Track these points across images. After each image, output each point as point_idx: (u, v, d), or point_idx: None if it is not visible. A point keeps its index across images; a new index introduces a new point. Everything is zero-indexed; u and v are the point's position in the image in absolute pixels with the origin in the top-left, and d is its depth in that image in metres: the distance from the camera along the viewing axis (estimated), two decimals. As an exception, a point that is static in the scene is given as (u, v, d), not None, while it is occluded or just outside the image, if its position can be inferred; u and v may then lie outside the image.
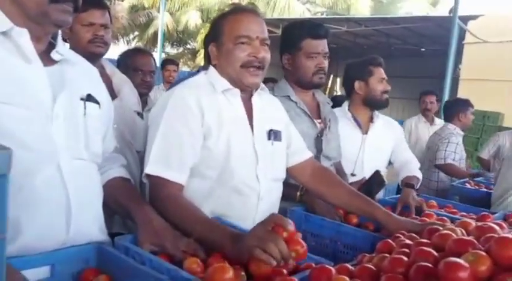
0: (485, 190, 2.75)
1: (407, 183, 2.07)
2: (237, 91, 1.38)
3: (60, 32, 1.12)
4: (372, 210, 1.47)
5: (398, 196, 2.01)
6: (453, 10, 7.62)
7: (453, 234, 1.00)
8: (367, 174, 1.97)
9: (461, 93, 10.38)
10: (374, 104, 2.28)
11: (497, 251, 0.80)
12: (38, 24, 1.03)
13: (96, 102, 1.15)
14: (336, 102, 3.14)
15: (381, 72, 2.25)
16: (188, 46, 19.87)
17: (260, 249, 0.94)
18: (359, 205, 1.51)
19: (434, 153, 3.58)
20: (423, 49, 14.16)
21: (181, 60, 18.84)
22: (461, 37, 9.16)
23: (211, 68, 1.41)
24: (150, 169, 1.27)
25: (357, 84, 2.26)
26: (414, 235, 1.17)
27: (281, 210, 1.56)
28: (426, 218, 1.64)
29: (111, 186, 1.24)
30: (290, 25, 1.92)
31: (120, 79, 1.98)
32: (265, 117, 1.45)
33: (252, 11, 1.39)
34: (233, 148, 1.33)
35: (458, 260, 0.79)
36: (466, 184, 2.88)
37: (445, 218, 1.71)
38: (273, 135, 1.43)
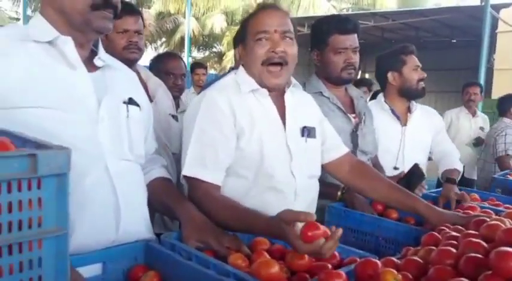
0: (529, 181, 2.64)
1: (448, 178, 2.01)
2: (265, 91, 1.38)
3: (100, 40, 1.17)
4: (412, 203, 1.44)
5: (440, 189, 1.97)
6: (485, -1, 7.39)
7: (502, 224, 0.97)
8: (409, 167, 1.92)
9: (496, 84, 10.05)
10: (410, 94, 2.21)
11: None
12: (81, 32, 1.08)
13: (137, 105, 1.20)
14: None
15: (414, 60, 2.19)
16: (214, 49, 20.07)
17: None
18: (399, 198, 1.48)
19: (492, 147, 3.74)
20: (454, 40, 13.78)
21: (208, 63, 19.03)
22: (494, 26, 8.87)
23: (241, 68, 1.42)
24: (187, 170, 1.29)
25: (391, 76, 2.20)
26: (460, 227, 1.15)
27: (319, 208, 1.56)
28: (470, 211, 1.60)
29: (154, 186, 1.27)
30: (318, 21, 1.91)
31: (155, 83, 2.03)
32: (298, 114, 1.44)
33: (272, 6, 1.38)
34: (266, 146, 1.34)
35: (510, 249, 0.77)
36: (508, 176, 2.78)
37: (489, 210, 1.66)
38: (307, 132, 1.43)
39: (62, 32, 1.06)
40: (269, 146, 1.35)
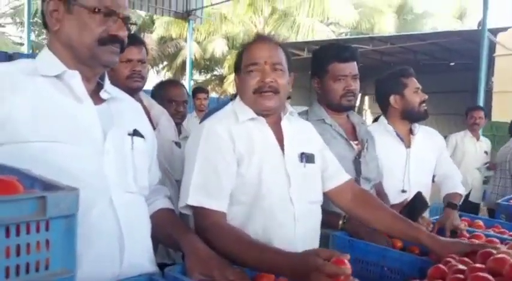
0: (533, 207, 2.63)
1: (450, 202, 2.00)
2: (262, 119, 1.41)
3: (106, 72, 1.19)
4: (415, 234, 1.43)
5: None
6: (482, 23, 7.52)
7: (509, 257, 0.97)
8: (415, 189, 1.92)
9: (496, 107, 10.11)
10: (413, 116, 2.20)
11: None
12: (88, 66, 1.10)
13: (142, 136, 1.20)
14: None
15: (414, 83, 2.19)
16: (215, 73, 20.30)
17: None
18: (402, 228, 1.47)
19: (508, 163, 4.15)
20: (452, 64, 13.92)
21: (209, 86, 19.21)
22: (491, 50, 8.99)
23: (238, 98, 1.46)
24: (192, 199, 1.29)
25: (393, 99, 2.20)
26: (466, 259, 1.14)
27: (323, 236, 1.55)
28: (475, 240, 1.58)
29: (157, 217, 1.27)
30: (318, 49, 1.94)
31: (158, 111, 2.05)
32: (296, 141, 1.46)
33: (263, 38, 1.42)
34: (264, 172, 1.35)
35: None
36: (511, 201, 2.77)
37: (495, 239, 1.65)
38: (305, 157, 1.44)
39: (69, 66, 1.08)
40: (268, 172, 1.36)
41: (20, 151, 0.96)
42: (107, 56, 1.09)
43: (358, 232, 1.62)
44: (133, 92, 1.86)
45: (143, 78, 1.89)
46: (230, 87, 17.64)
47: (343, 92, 1.81)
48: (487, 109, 8.22)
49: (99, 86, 1.16)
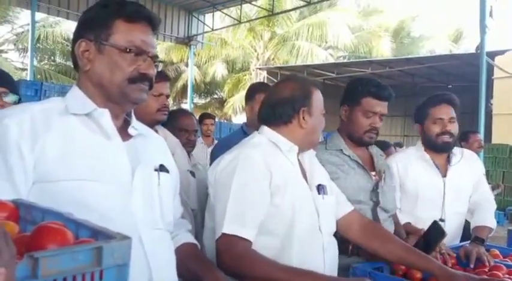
0: (546, 233, 2.61)
1: (477, 237, 1.96)
2: (296, 148, 1.45)
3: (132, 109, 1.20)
4: (426, 264, 1.44)
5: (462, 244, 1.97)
6: (480, 47, 7.64)
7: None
8: (452, 218, 1.98)
9: (496, 128, 10.18)
10: (431, 147, 2.19)
11: None
12: (118, 104, 1.11)
13: (167, 171, 1.21)
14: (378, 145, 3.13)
15: (437, 113, 2.14)
16: (215, 96, 20.46)
17: None
18: (413, 260, 1.48)
19: None
20: (450, 86, 14.08)
21: (209, 109, 19.36)
22: (489, 72, 9.11)
23: (267, 129, 1.47)
24: (227, 228, 1.29)
25: (417, 128, 2.25)
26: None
27: (343, 266, 1.53)
28: (497, 272, 1.57)
29: (180, 252, 1.25)
30: (356, 79, 1.95)
31: (172, 141, 2.06)
32: (313, 173, 1.50)
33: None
34: (297, 204, 1.37)
35: None
36: (524, 228, 2.75)
37: (515, 270, 1.64)
38: (322, 189, 1.48)
39: (98, 104, 1.09)
40: (300, 203, 1.37)
41: (51, 189, 0.97)
42: (137, 94, 1.10)
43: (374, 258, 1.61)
44: (157, 124, 1.89)
45: (169, 112, 1.95)
46: (230, 110, 17.76)
47: (368, 128, 1.82)
48: (487, 131, 8.28)
49: (126, 122, 1.17)
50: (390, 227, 1.86)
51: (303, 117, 1.44)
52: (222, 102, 19.18)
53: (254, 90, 2.48)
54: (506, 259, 1.95)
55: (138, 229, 1.06)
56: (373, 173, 1.87)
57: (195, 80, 16.58)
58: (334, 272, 1.47)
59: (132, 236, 1.02)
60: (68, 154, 1.01)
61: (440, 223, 1.96)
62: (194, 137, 2.58)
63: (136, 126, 1.17)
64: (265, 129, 1.48)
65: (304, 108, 1.45)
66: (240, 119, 16.08)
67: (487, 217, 2.13)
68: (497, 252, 2.04)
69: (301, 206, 1.37)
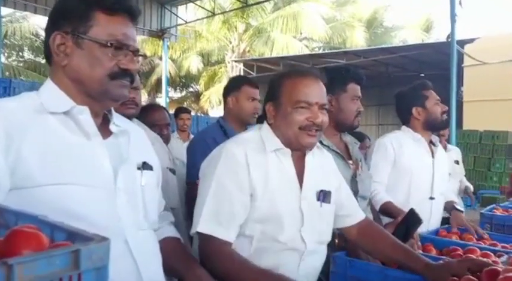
0: (516, 215, 2.71)
1: (456, 207, 2.25)
2: (288, 151, 1.37)
3: None
4: (413, 265, 1.38)
5: (438, 229, 2.13)
6: (450, 36, 7.79)
7: (516, 276, 0.99)
8: (439, 197, 2.16)
9: (467, 116, 10.45)
10: (436, 126, 2.37)
11: None
12: (97, 101, 1.06)
13: (151, 168, 1.17)
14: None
15: (434, 95, 2.35)
16: (191, 89, 20.27)
17: None
18: (399, 257, 1.45)
19: None
20: (422, 74, 14.33)
21: (185, 103, 19.16)
22: (460, 60, 9.32)
23: (265, 126, 1.42)
24: (202, 227, 1.28)
25: (415, 111, 2.35)
26: (473, 278, 1.16)
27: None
28: (471, 255, 1.62)
29: (163, 247, 1.23)
30: (335, 70, 2.05)
31: (151, 138, 2.01)
32: (317, 177, 1.43)
33: (313, 75, 1.39)
34: (277, 208, 1.32)
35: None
36: (495, 211, 2.85)
37: (489, 252, 1.69)
38: (323, 196, 1.41)
39: (76, 101, 1.04)
40: (281, 208, 1.32)
41: (30, 195, 0.92)
42: (118, 91, 1.06)
43: (358, 251, 1.63)
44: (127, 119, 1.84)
45: (137, 105, 1.86)
46: (207, 103, 17.63)
47: (356, 112, 1.91)
48: (458, 118, 8.49)
49: (106, 119, 1.12)
50: (369, 216, 1.89)
51: (271, 113, 1.39)
52: (198, 95, 19.02)
53: (241, 81, 2.43)
54: (480, 242, 2.01)
55: (124, 231, 1.04)
56: (350, 161, 1.90)
57: (170, 73, 16.36)
58: (311, 280, 1.44)
59: (118, 239, 1.03)
60: (47, 156, 0.96)
61: (429, 203, 2.18)
62: (167, 131, 2.55)
63: (117, 123, 1.13)
64: (264, 125, 1.44)
65: (270, 103, 1.40)
66: (217, 112, 15.99)
67: (452, 194, 2.53)
68: (471, 235, 2.11)
69: (281, 211, 1.32)
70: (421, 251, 1.79)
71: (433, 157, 2.35)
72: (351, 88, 1.89)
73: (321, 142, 1.84)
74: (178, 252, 1.25)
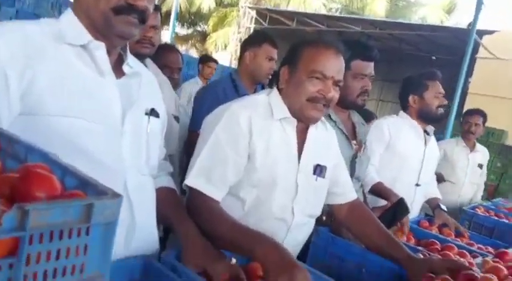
0: (495, 218, 2.79)
1: (439, 205, 2.34)
2: (294, 121, 1.37)
3: (127, 43, 1.13)
4: (396, 255, 1.42)
5: (420, 219, 2.27)
6: (472, 24, 7.61)
7: (493, 287, 1.03)
8: (423, 186, 2.23)
9: (469, 107, 10.41)
10: (428, 118, 2.37)
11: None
12: (105, 37, 1.04)
13: (157, 115, 1.17)
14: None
15: (437, 87, 2.33)
16: (199, 28, 19.70)
17: None
18: (383, 245, 1.48)
19: None
20: (434, 57, 14.14)
21: (191, 41, 18.71)
22: (475, 50, 9.16)
23: (275, 92, 1.40)
24: (191, 180, 1.29)
25: (411, 98, 2.35)
26: (449, 278, 1.20)
27: None
28: (448, 252, 1.67)
29: (158, 196, 1.25)
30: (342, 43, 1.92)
31: (161, 80, 1.98)
32: (316, 151, 1.43)
33: (336, 49, 1.35)
34: (274, 176, 1.33)
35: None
36: (477, 209, 2.92)
37: (465, 251, 1.75)
38: (319, 170, 1.42)
39: (92, 36, 1.02)
40: (277, 176, 1.33)
41: (38, 123, 0.92)
42: (122, 27, 1.01)
43: (341, 230, 1.67)
44: (140, 58, 1.78)
45: (153, 45, 1.80)
46: (212, 46, 17.23)
47: (360, 91, 1.82)
48: (460, 109, 8.48)
49: (120, 59, 1.10)
50: (360, 198, 1.92)
51: (284, 77, 1.36)
52: (204, 36, 18.51)
53: (263, 37, 2.31)
54: (458, 239, 2.08)
55: (125, 173, 1.04)
56: (354, 142, 1.89)
57: (180, 8, 15.82)
58: (295, 252, 1.47)
59: (118, 179, 1.03)
60: (60, 87, 0.95)
61: (414, 189, 2.25)
62: (177, 76, 2.49)
63: (131, 64, 1.11)
64: (273, 90, 1.42)
65: (286, 67, 1.36)
66: (221, 56, 15.67)
67: (436, 190, 2.54)
68: (450, 231, 2.17)
69: (277, 180, 1.33)
70: (404, 239, 1.85)
71: (425, 145, 2.39)
72: (355, 65, 1.80)
73: (329, 116, 1.83)
74: (172, 204, 1.27)
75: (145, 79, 1.18)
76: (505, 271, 1.24)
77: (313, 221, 1.51)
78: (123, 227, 1.06)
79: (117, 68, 1.07)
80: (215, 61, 4.94)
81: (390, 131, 2.30)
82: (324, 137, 1.50)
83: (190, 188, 1.30)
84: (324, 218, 1.72)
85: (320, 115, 1.36)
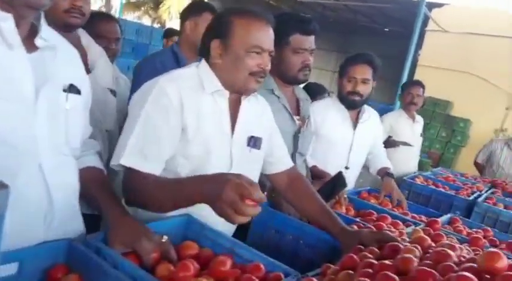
0: (433, 187, 2.93)
1: (388, 173, 2.36)
2: (226, 93, 1.36)
3: (42, 14, 1.04)
4: (330, 228, 1.46)
5: (360, 190, 2.31)
6: (421, -4, 7.75)
7: (413, 258, 1.07)
8: (353, 167, 2.27)
9: (418, 79, 10.73)
10: (342, 103, 2.39)
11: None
12: (12, 7, 0.94)
13: (78, 92, 1.11)
14: (310, 90, 3.19)
15: (352, 71, 2.30)
16: (151, -6, 18.90)
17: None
18: (321, 220, 1.51)
19: None
20: (387, 29, 14.37)
21: (142, 8, 17.97)
22: (425, 23, 9.38)
23: (204, 64, 1.38)
24: (126, 159, 1.24)
25: (337, 81, 2.39)
26: (376, 249, 1.24)
27: None
28: (382, 223, 1.73)
29: (84, 176, 1.20)
30: (279, 18, 1.83)
31: (96, 52, 1.87)
32: (249, 123, 1.43)
33: (266, 20, 1.35)
34: (207, 149, 1.33)
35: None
36: (416, 179, 3.05)
37: (398, 221, 1.83)
38: (253, 142, 1.43)
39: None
40: (210, 149, 1.33)
41: None
42: None
43: (281, 205, 1.69)
44: (70, 29, 1.67)
45: (83, 15, 1.67)
46: (165, 14, 16.65)
47: (301, 66, 1.80)
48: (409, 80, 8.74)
49: (33, 31, 1.01)
50: (303, 171, 1.94)
51: (218, 51, 1.33)
52: (157, 3, 17.81)
53: (203, 6, 2.23)
54: (394, 209, 2.16)
55: (39, 154, 0.99)
56: (298, 117, 1.89)
57: (131, -28, 15.08)
58: (232, 228, 1.49)
59: (31, 161, 0.98)
60: None
61: (344, 171, 2.14)
62: (115, 46, 2.36)
63: (45, 37, 1.02)
64: (202, 63, 1.39)
65: (217, 40, 1.33)
66: (175, 24, 15.21)
67: (386, 161, 2.59)
68: (388, 201, 2.25)
69: (210, 153, 1.33)
70: (344, 210, 1.90)
71: (354, 129, 2.41)
72: (294, 40, 1.78)
73: (272, 91, 1.82)
74: (100, 185, 1.22)
75: (63, 53, 1.10)
76: (429, 241, 1.29)
77: None
78: (40, 211, 1.02)
79: (29, 42, 0.99)
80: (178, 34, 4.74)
81: (315, 116, 2.28)
82: (256, 109, 1.50)
83: (127, 168, 1.26)
84: (266, 193, 1.73)
85: (259, 86, 1.39)
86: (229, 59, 1.33)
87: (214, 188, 0.98)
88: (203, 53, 1.38)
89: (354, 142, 2.40)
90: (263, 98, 1.58)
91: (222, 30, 1.32)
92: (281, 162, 1.61)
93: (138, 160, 1.24)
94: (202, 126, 1.31)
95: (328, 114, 2.34)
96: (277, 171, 1.59)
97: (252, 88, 1.36)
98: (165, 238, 1.14)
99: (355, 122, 2.41)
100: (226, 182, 0.97)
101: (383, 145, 2.75)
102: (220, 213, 0.97)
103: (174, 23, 16.08)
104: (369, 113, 2.48)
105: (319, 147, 2.29)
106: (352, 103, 2.34)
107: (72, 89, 1.09)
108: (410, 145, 3.43)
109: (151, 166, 1.26)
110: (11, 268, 0.98)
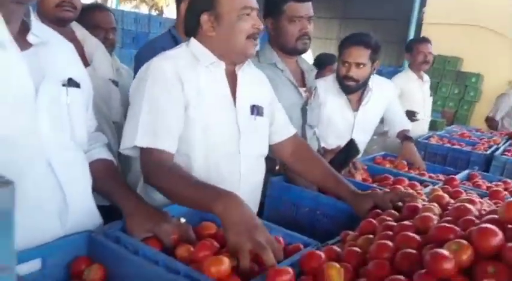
0: (448, 145, 2.89)
1: (407, 136, 2.30)
2: (222, 64, 1.36)
3: (32, 9, 1.02)
4: (338, 191, 1.46)
5: (375, 156, 2.26)
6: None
7: (432, 216, 1.06)
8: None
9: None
10: (340, 85, 2.29)
11: (479, 241, 0.86)
12: (0, 5, 0.93)
13: (77, 85, 1.10)
14: (320, 61, 3.11)
15: (345, 55, 2.20)
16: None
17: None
18: (330, 185, 1.51)
19: None
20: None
21: (139, -3, 17.78)
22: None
23: (194, 41, 1.37)
24: (140, 141, 1.24)
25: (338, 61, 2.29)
26: (394, 212, 1.23)
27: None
28: (399, 185, 1.71)
29: (95, 169, 1.21)
30: None
31: (92, 45, 1.85)
32: (249, 92, 1.42)
33: None
34: (213, 122, 1.33)
35: (443, 252, 0.85)
36: (430, 139, 3.01)
37: (416, 182, 1.80)
38: (256, 110, 1.42)
39: None
40: (217, 122, 1.33)
41: None
42: None
43: (295, 178, 1.68)
44: (63, 23, 1.66)
45: (75, 9, 1.66)
46: (162, 0, 16.48)
47: (298, 34, 1.75)
48: (416, 40, 8.52)
49: (25, 27, 1.00)
50: (314, 144, 1.92)
51: (210, 24, 1.32)
52: (154, -10, 17.63)
53: None
54: (410, 171, 2.14)
55: (45, 151, 0.99)
56: (304, 89, 1.86)
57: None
58: (254, 197, 1.49)
59: (40, 159, 0.98)
60: None
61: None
62: (113, 36, 2.34)
63: (37, 33, 1.00)
64: (191, 40, 1.38)
65: (206, 14, 1.31)
66: (173, 12, 15.04)
67: (405, 123, 2.49)
68: (404, 163, 2.23)
69: (217, 125, 1.32)
70: (360, 178, 1.89)
71: (356, 110, 2.32)
72: (288, 8, 1.73)
73: (274, 64, 1.78)
74: (111, 176, 1.23)
75: (58, 47, 1.10)
76: (447, 198, 1.28)
77: (262, 162, 1.51)
78: (54, 207, 1.02)
79: (22, 39, 0.98)
80: None
81: (320, 94, 2.19)
82: (253, 79, 1.49)
83: (142, 150, 1.26)
84: (277, 167, 1.73)
85: (256, 50, 1.39)
86: (223, 28, 1.32)
87: (240, 224, 0.98)
88: (191, 30, 1.37)
89: (355, 124, 2.33)
90: (255, 67, 1.55)
91: (208, 2, 1.31)
92: (284, 129, 1.59)
93: (152, 139, 1.24)
94: (205, 100, 1.31)
95: (328, 97, 2.25)
96: (281, 139, 1.57)
97: (251, 52, 1.36)
98: (183, 220, 1.15)
99: (358, 104, 2.32)
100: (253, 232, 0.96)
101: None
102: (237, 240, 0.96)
103: (172, 9, 15.90)
104: (371, 91, 2.34)
105: (321, 127, 2.23)
106: (347, 88, 2.25)
107: (71, 83, 1.08)
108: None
109: (164, 142, 1.25)
110: (35, 264, 0.99)
